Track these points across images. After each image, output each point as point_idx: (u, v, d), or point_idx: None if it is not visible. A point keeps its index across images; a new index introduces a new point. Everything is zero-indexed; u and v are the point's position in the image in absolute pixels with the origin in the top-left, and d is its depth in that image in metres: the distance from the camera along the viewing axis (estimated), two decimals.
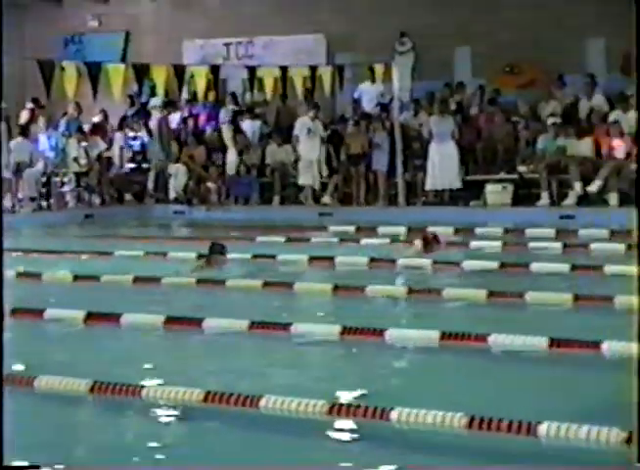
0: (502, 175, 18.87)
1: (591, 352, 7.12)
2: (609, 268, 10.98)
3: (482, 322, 8.73)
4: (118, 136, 21.80)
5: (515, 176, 18.64)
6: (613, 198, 17.34)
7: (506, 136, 19.39)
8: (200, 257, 12.38)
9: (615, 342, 7.17)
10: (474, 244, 14.03)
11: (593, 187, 17.50)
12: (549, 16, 19.86)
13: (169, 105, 22.14)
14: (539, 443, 5.29)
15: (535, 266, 11.36)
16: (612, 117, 18.23)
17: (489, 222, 15.92)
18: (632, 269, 10.80)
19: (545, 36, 19.71)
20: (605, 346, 7.11)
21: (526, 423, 5.34)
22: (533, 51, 19.96)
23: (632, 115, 17.96)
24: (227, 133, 21.24)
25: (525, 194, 18.47)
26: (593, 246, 13.09)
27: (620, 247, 12.84)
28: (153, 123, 22.12)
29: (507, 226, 15.49)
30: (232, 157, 20.79)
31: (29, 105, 21.49)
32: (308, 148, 19.77)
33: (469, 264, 11.90)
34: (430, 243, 12.92)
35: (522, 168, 18.58)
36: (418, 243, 13.01)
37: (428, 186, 19.11)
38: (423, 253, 12.65)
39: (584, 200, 17.65)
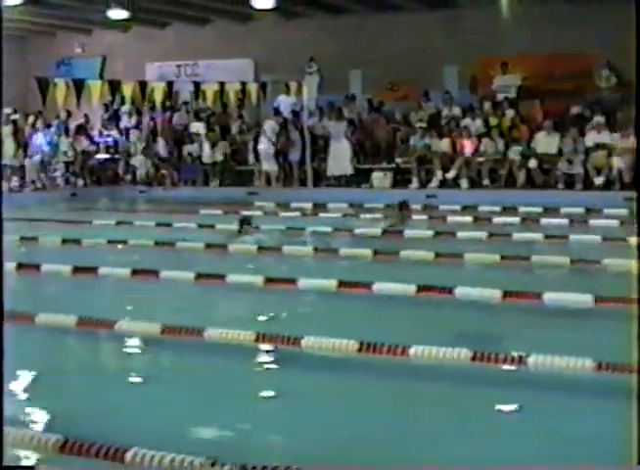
0: (384, 165, 18.86)
1: (446, 296, 7.19)
2: (460, 234, 11.11)
3: (369, 273, 8.75)
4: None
5: (393, 166, 18.67)
6: (464, 183, 17.52)
7: (387, 136, 19.44)
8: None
9: (465, 287, 7.27)
10: (363, 216, 14.08)
11: (450, 174, 17.69)
12: (418, 48, 19.91)
13: (169, 109, 21.56)
14: (410, 361, 5.34)
15: (408, 232, 11.43)
16: (463, 123, 18.35)
17: (375, 200, 15.94)
18: (476, 234, 11.07)
19: (415, 63, 19.72)
20: (457, 290, 7.20)
21: (402, 347, 5.39)
22: (407, 74, 19.96)
23: (478, 122, 18.15)
24: (202, 131, 20.75)
25: (400, 179, 18.52)
26: (449, 218, 13.20)
27: (469, 218, 13.00)
28: (123, 124, 21.80)
29: (387, 203, 15.53)
30: (207, 149, 20.26)
31: (8, 111, 20.68)
32: (270, 144, 19.45)
33: (359, 231, 11.93)
34: (405, 214, 12.60)
35: (398, 160, 18.60)
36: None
37: (329, 173, 19.09)
38: (399, 223, 12.31)
39: (444, 184, 17.80)
